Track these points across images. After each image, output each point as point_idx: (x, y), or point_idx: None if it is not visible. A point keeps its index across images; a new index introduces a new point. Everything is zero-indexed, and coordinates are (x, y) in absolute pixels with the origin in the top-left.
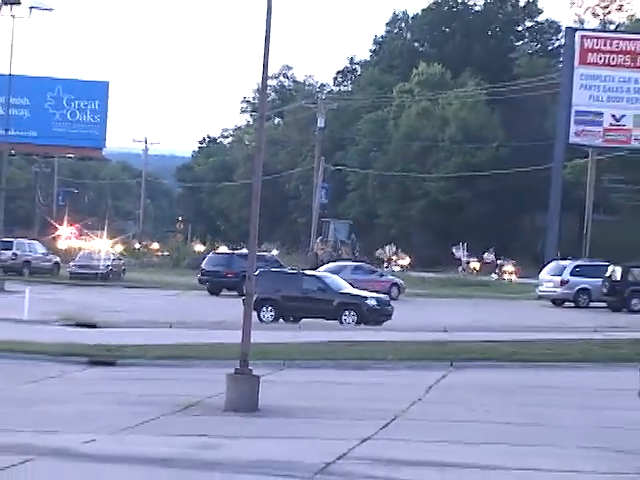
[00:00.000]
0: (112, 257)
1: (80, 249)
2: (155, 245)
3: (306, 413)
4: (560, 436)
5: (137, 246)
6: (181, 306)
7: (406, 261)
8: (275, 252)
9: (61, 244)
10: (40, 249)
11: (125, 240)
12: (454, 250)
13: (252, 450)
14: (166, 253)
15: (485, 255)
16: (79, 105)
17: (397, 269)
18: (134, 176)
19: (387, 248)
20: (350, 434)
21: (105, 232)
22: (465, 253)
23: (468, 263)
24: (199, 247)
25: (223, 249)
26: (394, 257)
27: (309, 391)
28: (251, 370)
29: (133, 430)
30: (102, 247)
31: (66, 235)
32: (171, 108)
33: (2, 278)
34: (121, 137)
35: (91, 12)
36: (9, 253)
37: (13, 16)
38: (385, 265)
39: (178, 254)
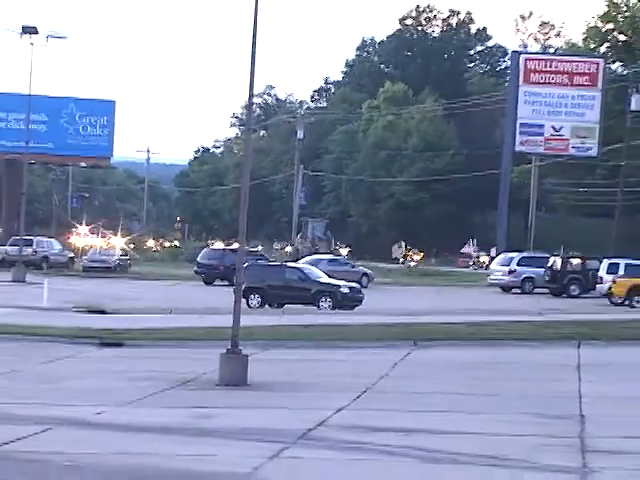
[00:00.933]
0: (119, 252)
1: (92, 246)
2: (160, 242)
3: (289, 387)
4: (509, 405)
5: (151, 243)
6: (180, 295)
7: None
8: (260, 247)
9: (75, 241)
10: (57, 246)
11: (135, 239)
12: (465, 247)
13: (243, 419)
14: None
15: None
16: (90, 121)
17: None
18: (138, 182)
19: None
20: (327, 405)
21: (119, 231)
22: (475, 248)
23: (478, 257)
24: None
25: (219, 245)
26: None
27: (292, 368)
28: (241, 350)
29: (138, 403)
30: (112, 244)
31: (80, 233)
32: (170, 122)
33: (24, 271)
34: (126, 148)
35: (99, 37)
36: (30, 249)
37: (32, 43)
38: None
39: (177, 249)
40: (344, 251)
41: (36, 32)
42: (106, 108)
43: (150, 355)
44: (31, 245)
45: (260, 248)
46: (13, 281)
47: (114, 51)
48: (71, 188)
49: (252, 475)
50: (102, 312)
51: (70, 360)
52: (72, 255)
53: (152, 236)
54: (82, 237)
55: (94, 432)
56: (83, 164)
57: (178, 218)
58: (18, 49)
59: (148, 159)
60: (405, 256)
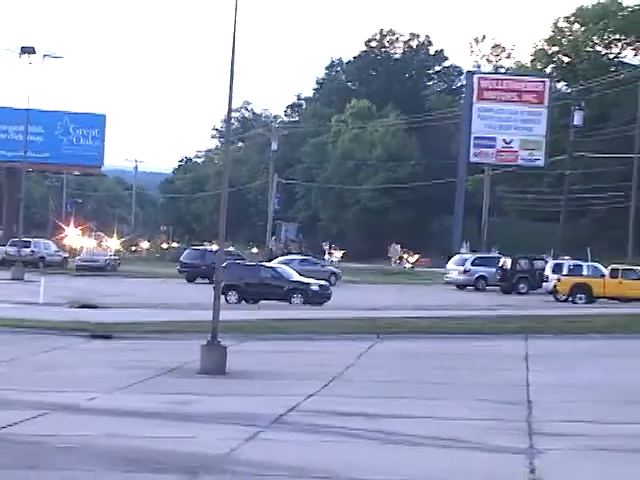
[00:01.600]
0: (110, 252)
1: (85, 247)
2: (145, 244)
3: (264, 375)
4: (462, 392)
5: (146, 245)
6: (164, 291)
7: (339, 254)
8: (231, 248)
9: (68, 242)
10: (52, 247)
11: (127, 240)
12: (390, 248)
13: (221, 405)
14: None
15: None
16: (82, 132)
17: (335, 260)
18: (126, 189)
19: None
20: (298, 392)
21: (113, 233)
22: (400, 249)
23: (402, 258)
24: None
25: (201, 246)
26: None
27: (266, 358)
28: (220, 342)
29: (126, 390)
30: (105, 245)
31: (73, 235)
32: (156, 133)
33: (22, 270)
34: (116, 157)
35: (90, 55)
36: (28, 250)
37: (30, 63)
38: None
39: (165, 250)
40: (338, 254)
41: (34, 52)
42: (97, 121)
43: (137, 346)
44: (29, 246)
45: (232, 249)
46: (12, 279)
47: (104, 68)
48: (65, 194)
49: (230, 455)
50: (93, 307)
51: (64, 351)
52: (66, 255)
53: (145, 238)
54: (75, 239)
55: (86, 416)
56: (76, 172)
57: (163, 222)
58: (17, 67)
59: (136, 167)
60: (401, 258)
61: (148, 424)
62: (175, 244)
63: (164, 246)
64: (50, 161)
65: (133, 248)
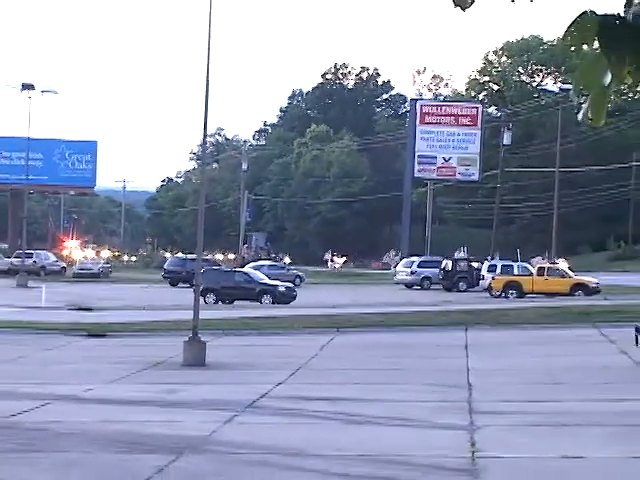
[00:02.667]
0: (102, 262)
1: (81, 257)
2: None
3: (239, 366)
4: (411, 377)
5: (125, 258)
6: (151, 295)
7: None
8: (209, 256)
9: (68, 253)
10: (52, 257)
11: (116, 252)
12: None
13: (202, 393)
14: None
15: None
16: (77, 157)
17: (338, 265)
18: (116, 206)
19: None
20: (269, 380)
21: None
22: (330, 254)
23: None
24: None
25: (180, 255)
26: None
27: (241, 351)
28: (200, 337)
29: (119, 381)
30: (99, 255)
31: (71, 247)
32: (141, 157)
33: (26, 278)
34: (107, 178)
35: (82, 87)
36: (30, 261)
37: (29, 97)
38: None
39: (148, 259)
40: (287, 259)
41: (33, 88)
42: (89, 147)
43: (128, 343)
44: (31, 257)
45: (209, 257)
46: (17, 286)
47: (95, 99)
48: (63, 211)
49: (211, 437)
50: (89, 309)
51: (64, 348)
52: (64, 265)
53: (129, 252)
54: (74, 250)
55: (84, 405)
56: (72, 192)
57: (149, 235)
58: (17, 101)
59: (124, 187)
60: (332, 260)
61: (138, 410)
62: (168, 254)
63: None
64: (49, 183)
65: (124, 258)
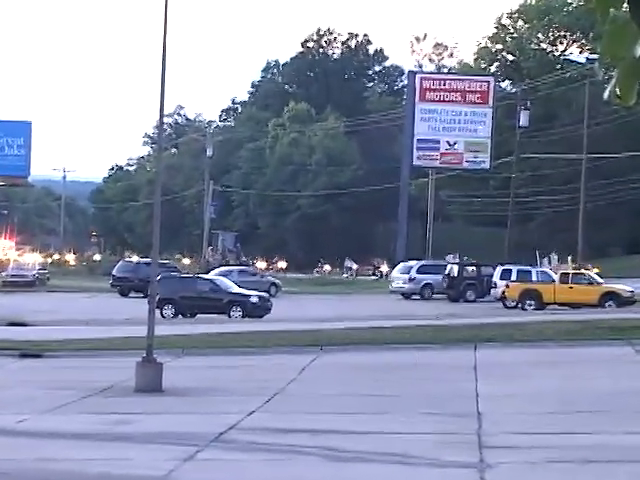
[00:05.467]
0: (38, 267)
1: (11, 261)
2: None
3: (202, 392)
4: (410, 405)
5: (57, 257)
6: (96, 307)
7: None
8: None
9: None
10: None
11: (54, 255)
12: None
13: (158, 424)
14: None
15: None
16: (7, 141)
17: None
18: (55, 199)
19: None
20: (239, 408)
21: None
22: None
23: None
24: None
25: (135, 258)
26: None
27: (204, 374)
28: (155, 358)
29: (58, 410)
30: (31, 258)
31: (3, 249)
32: (85, 141)
33: None
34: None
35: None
36: None
37: None
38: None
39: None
40: (260, 264)
41: None
42: (22, 129)
43: (68, 365)
44: None
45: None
46: None
47: (29, 72)
48: None
49: (168, 477)
50: (22, 325)
51: None
52: None
53: (71, 250)
54: (7, 252)
55: (15, 439)
56: (1, 183)
57: (94, 233)
58: None
59: (64, 177)
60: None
61: (80, 446)
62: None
63: (97, 258)
64: None
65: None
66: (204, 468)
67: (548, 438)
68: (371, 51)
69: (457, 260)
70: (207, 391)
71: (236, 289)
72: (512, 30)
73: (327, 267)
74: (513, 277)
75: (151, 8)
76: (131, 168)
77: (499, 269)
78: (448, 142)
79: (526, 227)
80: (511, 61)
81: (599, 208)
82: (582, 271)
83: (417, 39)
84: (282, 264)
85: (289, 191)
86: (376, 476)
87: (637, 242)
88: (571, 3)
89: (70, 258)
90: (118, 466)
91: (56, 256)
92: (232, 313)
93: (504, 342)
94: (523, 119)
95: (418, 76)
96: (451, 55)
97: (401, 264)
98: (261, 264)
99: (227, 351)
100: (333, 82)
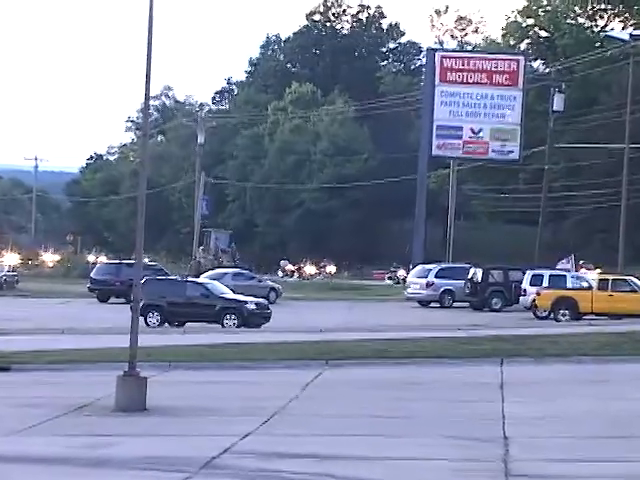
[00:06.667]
0: (5, 268)
1: None
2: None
3: (192, 412)
4: (426, 427)
5: (39, 262)
6: (72, 313)
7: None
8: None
9: None
10: None
11: (24, 255)
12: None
13: (141, 447)
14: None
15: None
16: None
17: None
18: (25, 192)
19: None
20: (233, 430)
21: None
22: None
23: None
24: (90, 257)
25: (112, 259)
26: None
27: (194, 391)
28: (139, 372)
29: (28, 432)
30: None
31: None
32: (59, 127)
33: None
34: (12, 155)
35: None
36: None
37: None
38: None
39: (69, 264)
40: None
41: None
42: None
43: (40, 379)
44: None
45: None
46: None
47: None
48: None
49: None
50: None
51: None
52: None
53: (45, 250)
54: None
55: None
56: None
57: (70, 231)
58: None
59: (36, 167)
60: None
61: (53, 472)
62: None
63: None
64: None
65: (34, 262)
66: None
67: (586, 466)
68: (385, 25)
69: (572, 264)
70: (197, 410)
71: (230, 294)
72: (545, 2)
73: (331, 269)
74: (545, 283)
75: None
76: (112, 157)
77: (529, 274)
78: (472, 129)
79: (560, 226)
80: (544, 38)
81: None
82: (624, 277)
83: (437, 12)
84: (331, 268)
85: (290, 184)
86: None
87: None
88: None
89: (48, 258)
90: None
91: (27, 257)
92: (226, 322)
93: (534, 357)
94: (557, 103)
95: (438, 54)
96: (476, 31)
97: (418, 267)
98: (309, 268)
99: (220, 365)
100: (342, 60)
